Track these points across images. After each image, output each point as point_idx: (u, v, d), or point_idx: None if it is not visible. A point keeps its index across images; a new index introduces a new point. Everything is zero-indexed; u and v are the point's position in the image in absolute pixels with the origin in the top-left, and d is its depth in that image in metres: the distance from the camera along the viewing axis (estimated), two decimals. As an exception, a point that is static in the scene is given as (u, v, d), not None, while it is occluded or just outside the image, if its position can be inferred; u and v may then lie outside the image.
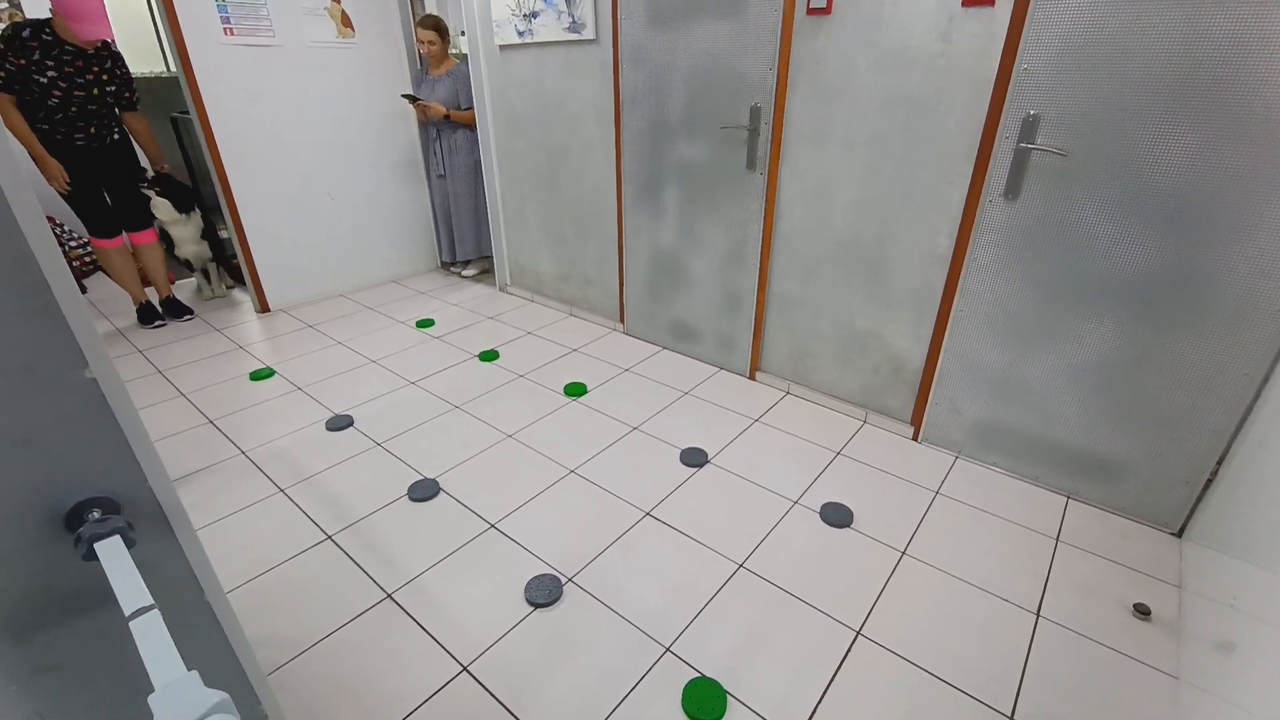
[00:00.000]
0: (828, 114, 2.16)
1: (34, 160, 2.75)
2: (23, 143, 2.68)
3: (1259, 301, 1.58)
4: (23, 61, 2.56)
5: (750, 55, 2.27)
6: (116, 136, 3.01)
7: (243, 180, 3.28)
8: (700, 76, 2.44)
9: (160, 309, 3.41)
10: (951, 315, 2.10)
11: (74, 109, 2.75)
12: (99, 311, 3.57)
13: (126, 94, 2.98)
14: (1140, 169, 1.65)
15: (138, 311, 3.36)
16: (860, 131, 2.11)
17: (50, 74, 2.62)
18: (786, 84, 2.22)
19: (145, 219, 3.26)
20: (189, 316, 3.45)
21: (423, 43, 3.55)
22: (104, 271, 3.31)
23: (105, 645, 0.70)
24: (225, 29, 3.04)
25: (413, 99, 3.62)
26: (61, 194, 2.84)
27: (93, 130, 2.86)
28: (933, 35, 1.87)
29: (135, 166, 3.14)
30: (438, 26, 3.51)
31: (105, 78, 2.81)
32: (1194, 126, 1.56)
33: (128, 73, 2.97)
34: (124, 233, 3.18)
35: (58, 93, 2.66)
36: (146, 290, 3.42)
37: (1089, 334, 1.86)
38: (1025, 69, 1.73)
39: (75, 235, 4.08)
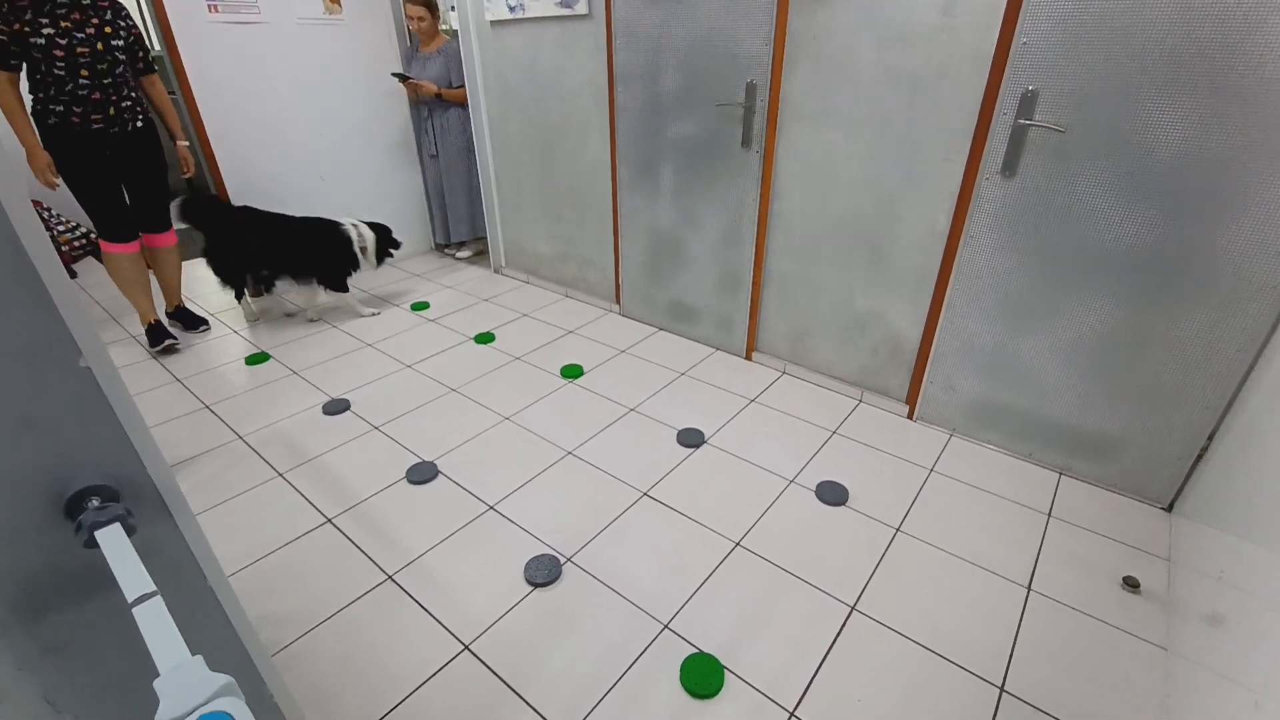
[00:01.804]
0: (825, 91, 2.13)
1: (25, 150, 2.41)
2: (14, 128, 2.37)
3: (1253, 278, 1.59)
4: (15, 26, 2.27)
5: (746, 30, 2.23)
6: (140, 124, 2.65)
7: (231, 162, 3.23)
8: (695, 52, 2.41)
9: (168, 319, 3.05)
10: (948, 294, 2.10)
11: (84, 73, 2.41)
12: (90, 297, 3.54)
13: (141, 53, 2.63)
14: (1137, 145, 1.64)
15: (147, 331, 2.90)
16: (858, 108, 2.08)
17: (46, 30, 2.31)
18: (783, 60, 2.19)
19: (165, 219, 2.87)
20: (204, 328, 3.10)
21: (412, 19, 3.48)
22: (111, 278, 2.82)
23: (111, 628, 0.71)
24: (210, 6, 2.97)
25: (403, 78, 3.56)
26: (51, 188, 2.48)
27: (111, 112, 2.52)
28: (933, 9, 1.84)
29: (161, 160, 2.78)
30: (427, 2, 3.44)
31: (108, 30, 2.47)
32: (1192, 102, 1.54)
33: (136, 27, 2.61)
34: (137, 240, 2.78)
35: (59, 52, 2.34)
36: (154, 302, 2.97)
37: (1083, 311, 1.87)
38: (1024, 43, 1.71)
39: (63, 219, 4.03)
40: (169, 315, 3.07)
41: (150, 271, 2.91)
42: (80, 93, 2.44)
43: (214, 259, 3.06)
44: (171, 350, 2.90)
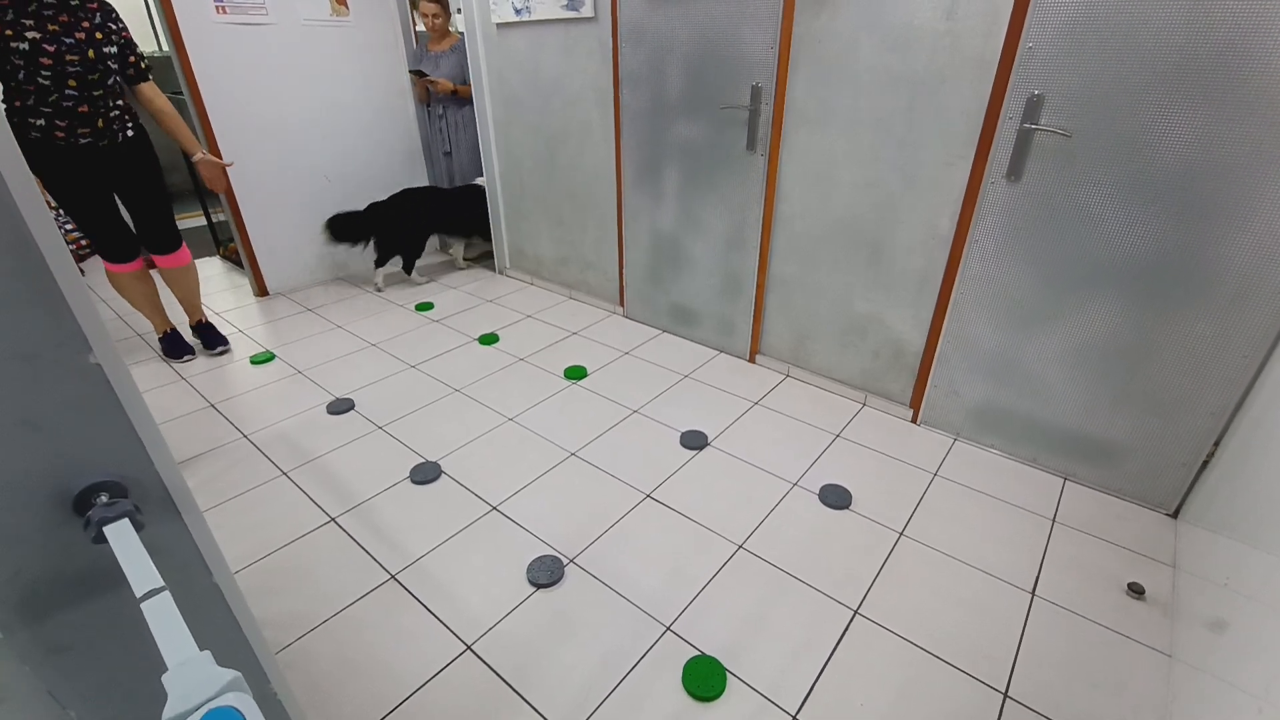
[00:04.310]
0: (829, 94, 2.14)
1: None
2: None
3: (1260, 283, 1.58)
4: None
5: (751, 33, 2.23)
6: (131, 133, 2.43)
7: (238, 162, 3.24)
8: (700, 55, 2.41)
9: (190, 335, 2.94)
10: (952, 298, 2.09)
11: (71, 84, 2.17)
12: (97, 295, 3.56)
13: (131, 58, 2.38)
14: (1143, 149, 1.64)
15: (161, 341, 2.85)
16: (862, 112, 2.09)
17: (31, 35, 2.05)
18: (788, 63, 2.19)
19: (174, 237, 2.64)
20: (223, 349, 2.90)
21: (426, 15, 3.49)
22: (118, 294, 2.70)
23: (117, 626, 0.71)
24: (217, 7, 2.99)
25: (419, 74, 3.58)
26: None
27: (100, 124, 2.29)
28: (937, 13, 1.84)
29: (157, 171, 2.56)
30: None
31: (99, 35, 2.22)
32: (1198, 106, 1.54)
33: (126, 30, 2.36)
34: (142, 257, 2.63)
35: (46, 60, 2.09)
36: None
37: (1089, 316, 1.86)
38: (1030, 47, 1.71)
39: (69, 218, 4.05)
40: (191, 328, 2.94)
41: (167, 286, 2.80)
42: (65, 104, 2.19)
43: (406, 251, 3.67)
44: (189, 361, 2.82)
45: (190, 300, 2.85)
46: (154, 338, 3.01)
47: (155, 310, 2.77)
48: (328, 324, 3.21)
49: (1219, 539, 1.50)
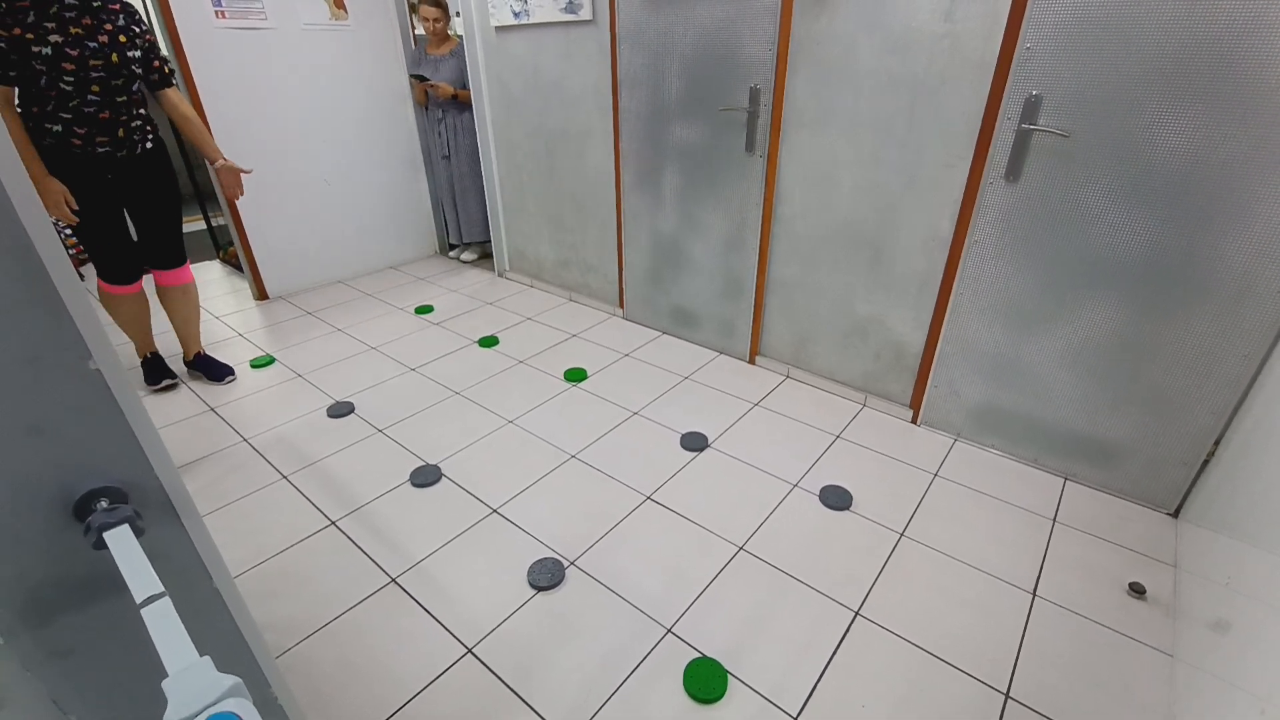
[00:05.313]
0: (828, 95, 2.14)
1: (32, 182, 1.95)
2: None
3: (1260, 282, 1.58)
4: (17, 31, 1.92)
5: (750, 35, 2.24)
6: (150, 145, 2.32)
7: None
8: (699, 57, 2.42)
9: (188, 369, 2.75)
10: (951, 298, 2.09)
11: (95, 89, 2.07)
12: (95, 300, 3.56)
13: (156, 62, 2.27)
14: (1142, 149, 1.64)
15: (143, 364, 2.66)
16: (861, 113, 2.09)
17: (53, 38, 1.96)
18: (786, 65, 2.19)
19: (178, 254, 2.52)
20: (230, 378, 2.71)
21: (428, 20, 3.50)
22: (108, 314, 2.54)
23: (118, 630, 0.71)
24: (217, 12, 3.00)
25: (420, 78, 3.59)
26: (69, 225, 2.15)
27: (120, 133, 2.19)
28: (935, 14, 1.85)
29: (174, 186, 2.45)
30: (439, 2, 3.47)
31: (123, 39, 2.11)
32: (1196, 106, 1.54)
33: (150, 34, 2.26)
34: (142, 277, 2.49)
35: (68, 65, 2.00)
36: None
37: (1088, 316, 1.86)
38: (1028, 48, 1.72)
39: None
40: (187, 364, 2.74)
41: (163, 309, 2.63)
42: (86, 110, 2.09)
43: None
44: (170, 389, 2.65)
45: (188, 329, 2.65)
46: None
47: (143, 331, 2.60)
48: (328, 327, 3.21)
49: (1220, 538, 1.50)
